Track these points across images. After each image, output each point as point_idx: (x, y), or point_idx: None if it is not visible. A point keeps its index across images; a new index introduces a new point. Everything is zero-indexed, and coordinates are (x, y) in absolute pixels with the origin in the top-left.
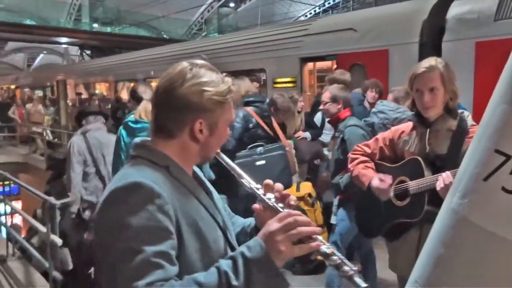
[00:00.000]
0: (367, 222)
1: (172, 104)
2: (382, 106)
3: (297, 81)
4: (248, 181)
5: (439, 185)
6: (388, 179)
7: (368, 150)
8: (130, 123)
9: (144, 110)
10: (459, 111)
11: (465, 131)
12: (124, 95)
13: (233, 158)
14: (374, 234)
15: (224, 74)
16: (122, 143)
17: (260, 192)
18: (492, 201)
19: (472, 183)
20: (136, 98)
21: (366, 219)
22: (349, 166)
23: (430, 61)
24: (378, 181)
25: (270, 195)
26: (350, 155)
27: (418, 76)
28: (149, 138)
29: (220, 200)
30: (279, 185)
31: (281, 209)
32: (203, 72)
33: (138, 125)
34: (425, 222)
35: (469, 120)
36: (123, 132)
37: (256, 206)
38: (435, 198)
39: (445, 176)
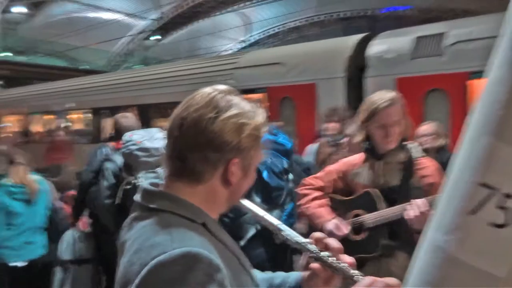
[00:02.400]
0: None
1: (205, 142)
2: None
3: None
4: (291, 234)
5: (412, 214)
6: (345, 228)
7: (321, 183)
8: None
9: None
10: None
11: (413, 163)
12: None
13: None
14: None
15: (256, 103)
16: None
17: (313, 248)
18: (480, 237)
19: (458, 218)
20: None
21: None
22: (300, 202)
23: (388, 93)
24: (334, 226)
25: (325, 253)
26: (300, 191)
27: (382, 111)
28: (159, 181)
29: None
30: (333, 241)
31: (356, 274)
32: (236, 101)
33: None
34: (383, 256)
35: (416, 152)
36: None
37: (316, 265)
38: (392, 231)
39: (420, 204)
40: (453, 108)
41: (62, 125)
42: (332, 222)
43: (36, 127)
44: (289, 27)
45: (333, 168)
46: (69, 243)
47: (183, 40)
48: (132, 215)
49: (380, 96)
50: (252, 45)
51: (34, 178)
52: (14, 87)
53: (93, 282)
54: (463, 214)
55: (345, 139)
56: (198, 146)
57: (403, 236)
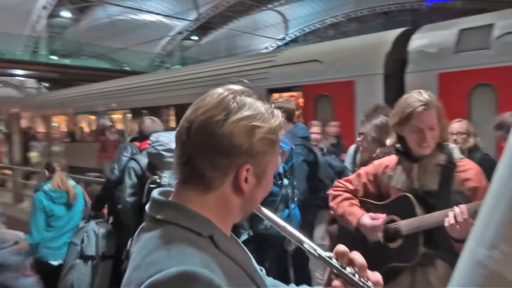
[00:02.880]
0: None
1: (213, 146)
2: None
3: None
4: (312, 246)
5: (449, 221)
6: (380, 216)
7: (351, 187)
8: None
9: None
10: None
11: (454, 165)
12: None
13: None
14: None
15: (272, 105)
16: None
17: (335, 263)
18: None
19: (502, 230)
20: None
21: None
22: (331, 203)
23: (422, 95)
24: (369, 219)
25: (349, 269)
26: (331, 192)
27: (417, 114)
28: (169, 189)
29: (253, 259)
30: (357, 257)
31: None
32: (249, 102)
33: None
34: (418, 265)
35: (456, 153)
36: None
37: (338, 283)
38: (431, 239)
39: (458, 212)
40: (501, 104)
41: (108, 124)
42: (366, 215)
43: (81, 127)
44: (328, 24)
45: (364, 170)
46: (91, 239)
47: (221, 39)
48: (141, 225)
49: (415, 97)
50: (290, 42)
51: (72, 183)
52: (59, 89)
53: (112, 279)
54: (509, 226)
55: (359, 138)
56: (206, 150)
57: (442, 244)
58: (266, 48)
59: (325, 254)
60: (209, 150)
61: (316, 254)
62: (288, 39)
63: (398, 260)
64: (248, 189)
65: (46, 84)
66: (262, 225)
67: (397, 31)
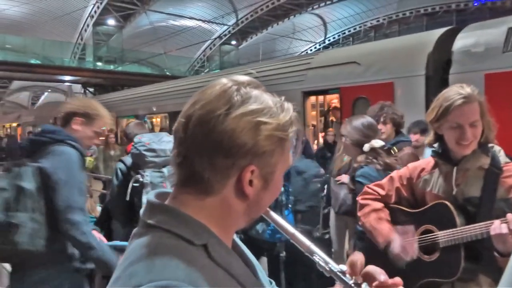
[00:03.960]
0: None
1: (213, 144)
2: None
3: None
4: (323, 258)
5: (495, 231)
6: (412, 247)
7: (382, 192)
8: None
9: None
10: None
11: (499, 169)
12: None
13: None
14: None
15: (283, 97)
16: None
17: (348, 280)
18: None
19: None
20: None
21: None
22: (359, 213)
23: (463, 89)
24: (400, 248)
25: (364, 286)
26: (359, 200)
27: (457, 109)
28: (168, 190)
29: (263, 272)
30: (376, 271)
31: None
32: (255, 94)
33: None
34: (457, 280)
35: (502, 156)
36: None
37: None
38: (472, 252)
39: (507, 221)
40: None
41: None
42: (397, 245)
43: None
44: (369, 26)
45: (397, 174)
46: None
47: (260, 43)
48: (133, 230)
49: (456, 91)
50: (330, 45)
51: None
52: (104, 93)
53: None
54: None
55: (343, 139)
56: (204, 149)
57: (485, 257)
58: (306, 51)
59: (337, 268)
60: (208, 149)
61: (327, 268)
62: (327, 42)
63: (435, 275)
64: (253, 192)
65: (91, 89)
66: (253, 230)
67: (441, 31)
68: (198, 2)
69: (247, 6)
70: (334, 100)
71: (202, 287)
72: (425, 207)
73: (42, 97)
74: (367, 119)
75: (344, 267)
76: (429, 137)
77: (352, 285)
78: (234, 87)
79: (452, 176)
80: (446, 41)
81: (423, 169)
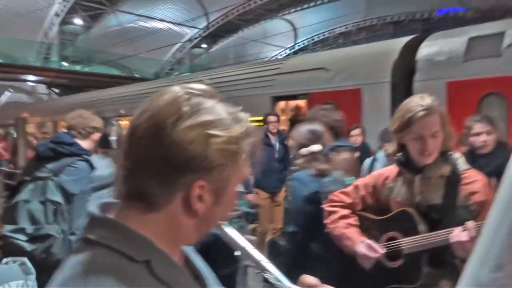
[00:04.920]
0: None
1: (159, 157)
2: None
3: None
4: (274, 276)
5: (455, 239)
6: (379, 248)
7: (348, 200)
8: None
9: None
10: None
11: (459, 177)
12: None
13: None
14: None
15: (239, 107)
16: None
17: None
18: None
19: (508, 252)
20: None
21: (350, 284)
22: (327, 221)
23: (424, 100)
24: (366, 247)
25: None
26: (326, 207)
27: (419, 120)
28: (112, 201)
29: (216, 283)
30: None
31: None
32: (207, 104)
33: None
34: (421, 286)
35: (461, 164)
36: None
37: None
38: (435, 258)
39: (471, 227)
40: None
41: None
42: (364, 244)
43: None
44: (337, 33)
45: (362, 182)
46: None
47: (231, 47)
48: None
49: (417, 102)
50: (300, 51)
51: None
52: (69, 94)
53: None
54: None
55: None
56: (150, 163)
57: (447, 263)
58: (276, 56)
59: (288, 285)
60: (154, 162)
61: (276, 284)
62: (297, 47)
63: (400, 280)
64: (203, 208)
65: (56, 90)
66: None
67: (405, 39)
68: (169, 4)
69: (218, 9)
70: (302, 105)
71: None
72: (389, 214)
73: (4, 97)
74: (313, 124)
75: (294, 287)
76: (392, 146)
77: None
78: (185, 97)
79: (415, 184)
80: (410, 49)
81: (387, 177)
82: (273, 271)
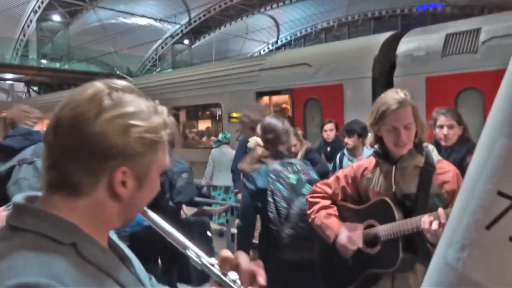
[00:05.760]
0: (332, 273)
1: (81, 147)
2: None
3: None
4: (195, 252)
5: (425, 226)
6: (358, 238)
7: (329, 190)
8: None
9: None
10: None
11: (433, 167)
12: None
13: None
14: (344, 286)
15: (156, 101)
16: None
17: (217, 270)
18: (498, 254)
19: (472, 232)
20: None
21: (330, 270)
22: (309, 211)
23: (397, 94)
24: (346, 238)
25: (232, 275)
26: (308, 198)
27: (392, 113)
28: (36, 194)
29: (142, 269)
30: (242, 258)
31: None
32: (127, 98)
33: None
34: (397, 271)
35: (435, 155)
36: None
37: None
38: (410, 244)
39: (441, 214)
40: (488, 108)
41: None
42: (344, 236)
43: None
44: (319, 28)
45: (343, 173)
46: None
47: (213, 43)
48: None
49: (391, 96)
50: (282, 46)
51: None
52: (49, 92)
53: None
54: (479, 228)
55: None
56: (73, 152)
57: (421, 248)
58: (259, 52)
59: (207, 261)
60: (77, 152)
61: (199, 262)
62: (280, 42)
63: (378, 265)
64: (126, 193)
65: (35, 88)
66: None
67: (386, 35)
68: (150, 0)
69: (199, 5)
70: (284, 100)
71: (67, 283)
72: (368, 203)
73: None
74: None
75: (214, 260)
76: (370, 138)
77: (220, 275)
78: (106, 91)
79: (391, 174)
80: (391, 45)
81: (366, 168)
82: (194, 249)
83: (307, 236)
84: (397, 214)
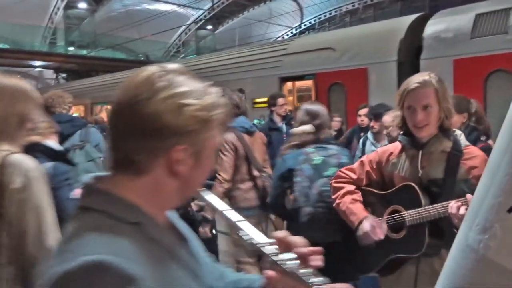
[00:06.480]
0: (358, 257)
1: (138, 127)
2: None
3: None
4: (249, 233)
5: (452, 211)
6: (383, 227)
7: (354, 176)
8: None
9: None
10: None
11: (460, 152)
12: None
13: None
14: (367, 270)
15: (209, 82)
16: None
17: (271, 250)
18: None
19: (494, 215)
20: None
21: (357, 254)
22: (333, 196)
23: (423, 76)
24: (370, 226)
25: (286, 255)
26: (332, 183)
27: (411, 92)
28: (103, 174)
29: (201, 248)
30: (298, 241)
31: (316, 283)
32: (179, 79)
33: None
34: (422, 256)
35: (462, 140)
36: None
37: (271, 273)
38: (436, 229)
39: (470, 199)
40: None
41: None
42: (368, 223)
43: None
44: (344, 11)
45: (367, 158)
46: None
47: (236, 28)
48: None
49: (416, 78)
50: (306, 30)
51: None
52: (77, 79)
53: None
54: (500, 210)
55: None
56: (131, 133)
57: (447, 233)
58: (282, 36)
59: (261, 240)
60: (135, 132)
61: (250, 242)
62: (303, 27)
63: (403, 251)
64: (183, 171)
65: (64, 75)
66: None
67: (412, 17)
68: None
69: None
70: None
71: (134, 261)
72: (393, 188)
73: None
74: (312, 104)
75: (270, 240)
76: (397, 120)
77: (271, 254)
78: (158, 74)
79: (417, 159)
80: (417, 27)
81: (391, 153)
82: (249, 230)
83: (325, 217)
84: (423, 200)
